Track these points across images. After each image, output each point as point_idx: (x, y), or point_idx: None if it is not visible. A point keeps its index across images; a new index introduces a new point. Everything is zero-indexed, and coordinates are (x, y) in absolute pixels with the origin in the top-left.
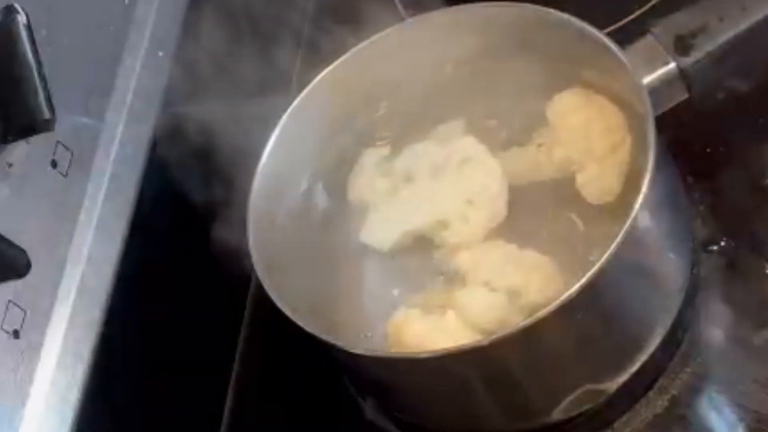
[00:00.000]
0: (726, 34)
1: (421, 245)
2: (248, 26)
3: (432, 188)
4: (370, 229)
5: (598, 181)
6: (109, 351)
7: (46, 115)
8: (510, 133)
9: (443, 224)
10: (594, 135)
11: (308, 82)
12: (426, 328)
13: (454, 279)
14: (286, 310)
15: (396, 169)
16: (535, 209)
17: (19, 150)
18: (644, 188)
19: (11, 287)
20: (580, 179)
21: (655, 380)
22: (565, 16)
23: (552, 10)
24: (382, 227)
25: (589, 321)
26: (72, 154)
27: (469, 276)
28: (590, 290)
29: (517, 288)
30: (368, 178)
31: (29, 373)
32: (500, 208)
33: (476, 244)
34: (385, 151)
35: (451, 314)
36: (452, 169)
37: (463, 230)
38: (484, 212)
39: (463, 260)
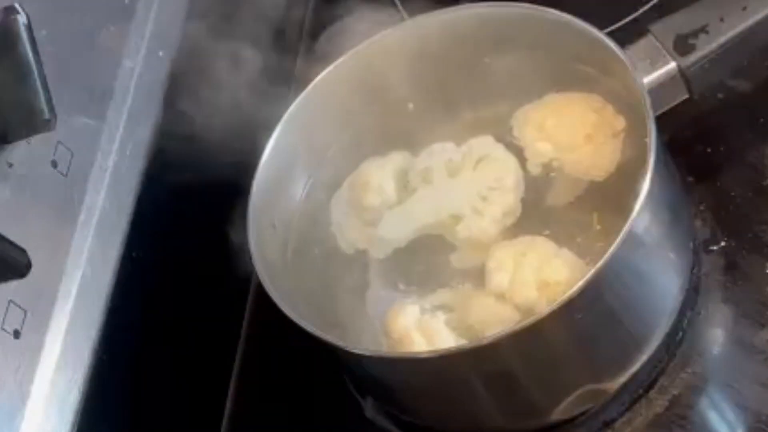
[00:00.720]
0: (726, 34)
1: (434, 245)
2: (247, 27)
3: (448, 186)
4: (386, 225)
5: (584, 161)
6: (110, 351)
7: (47, 115)
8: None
9: (456, 219)
10: (559, 133)
11: (308, 82)
12: (411, 325)
13: (468, 279)
14: (287, 310)
15: (414, 168)
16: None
17: (20, 150)
18: (644, 188)
19: (12, 287)
20: (566, 168)
21: (655, 380)
22: (566, 15)
23: (552, 10)
24: (398, 224)
25: (589, 321)
26: (72, 154)
27: (492, 276)
28: (590, 290)
29: (531, 304)
30: (377, 181)
31: (29, 373)
32: (515, 202)
33: (497, 243)
34: (400, 157)
35: (440, 316)
36: (469, 166)
37: (476, 225)
38: (497, 206)
39: (491, 259)
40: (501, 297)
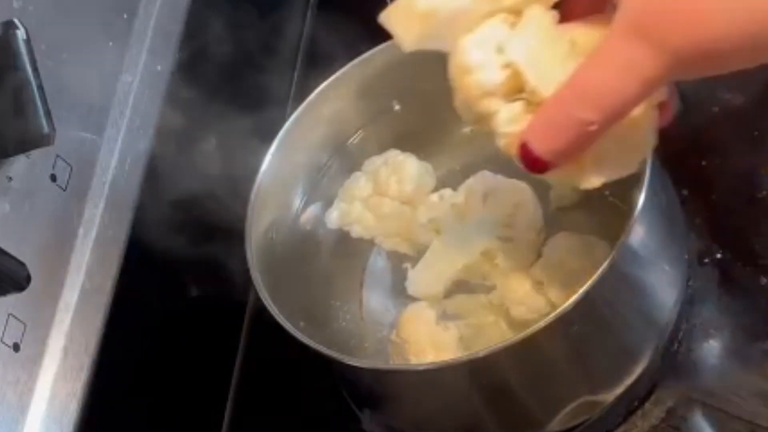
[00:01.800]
0: None
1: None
2: (243, 43)
3: (463, 229)
4: (414, 282)
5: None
6: (109, 363)
7: (46, 129)
8: None
9: (489, 255)
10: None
11: (305, 97)
12: (424, 332)
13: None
14: (283, 321)
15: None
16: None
17: (19, 164)
18: (639, 201)
19: (11, 300)
20: None
21: (650, 392)
22: None
23: None
24: (427, 278)
25: (584, 334)
26: (71, 168)
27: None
28: (586, 303)
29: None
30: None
31: (29, 386)
32: (540, 221)
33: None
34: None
35: (453, 330)
36: (477, 205)
37: (514, 251)
38: (526, 229)
39: (549, 245)
40: (540, 285)
